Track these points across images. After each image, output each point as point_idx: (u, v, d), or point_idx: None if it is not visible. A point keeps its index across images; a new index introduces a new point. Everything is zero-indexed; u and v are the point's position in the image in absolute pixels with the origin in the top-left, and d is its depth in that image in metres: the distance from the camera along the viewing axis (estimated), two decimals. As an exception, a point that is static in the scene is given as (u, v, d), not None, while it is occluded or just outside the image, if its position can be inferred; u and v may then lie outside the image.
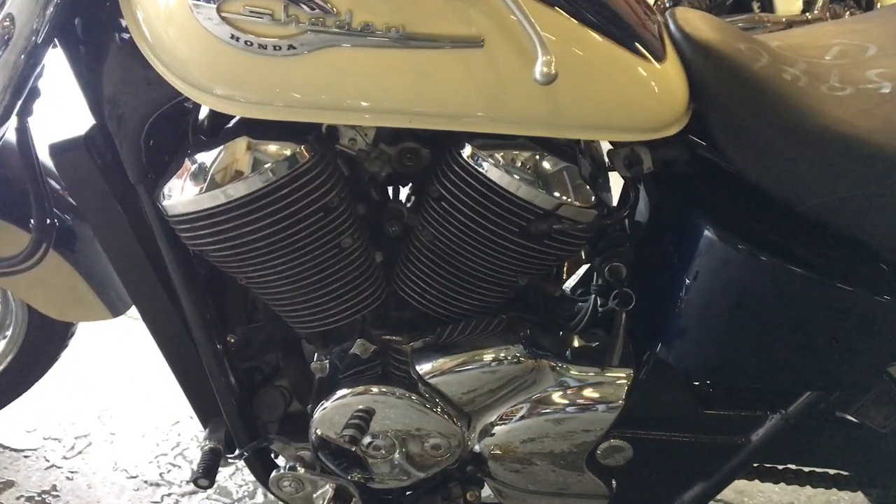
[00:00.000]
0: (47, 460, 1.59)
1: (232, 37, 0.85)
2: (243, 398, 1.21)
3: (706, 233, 1.02)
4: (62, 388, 1.76)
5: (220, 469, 1.50)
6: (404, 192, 1.15)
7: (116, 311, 1.44)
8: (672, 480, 1.22)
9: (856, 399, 1.10)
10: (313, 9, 0.83)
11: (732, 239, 1.00)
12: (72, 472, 1.57)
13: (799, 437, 1.16)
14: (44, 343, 1.51)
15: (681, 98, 0.97)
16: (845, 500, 1.56)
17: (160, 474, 1.57)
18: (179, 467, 1.59)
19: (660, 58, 0.96)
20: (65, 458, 1.60)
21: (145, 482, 1.55)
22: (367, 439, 1.13)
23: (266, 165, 0.96)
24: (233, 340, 1.19)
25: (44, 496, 1.51)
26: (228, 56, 0.88)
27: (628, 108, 0.96)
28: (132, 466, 1.59)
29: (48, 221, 1.11)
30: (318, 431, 1.14)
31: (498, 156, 0.98)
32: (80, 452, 1.61)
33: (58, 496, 1.51)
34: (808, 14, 4.08)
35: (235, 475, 1.57)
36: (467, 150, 0.98)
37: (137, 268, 1.14)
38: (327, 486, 1.17)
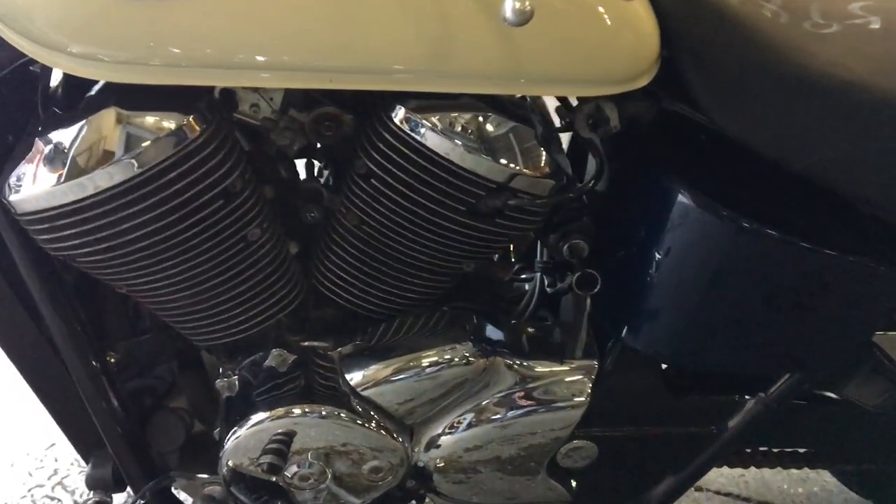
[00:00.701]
0: None
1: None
2: (132, 427, 1.00)
3: (681, 198, 0.87)
4: None
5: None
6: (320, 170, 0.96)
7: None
8: (639, 477, 1.08)
9: (843, 378, 0.99)
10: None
11: (712, 204, 0.86)
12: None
13: (777, 420, 1.05)
14: None
15: (652, 43, 0.81)
16: (793, 474, 1.48)
17: (38, 512, 1.34)
18: (59, 500, 1.35)
19: (627, -6, 0.79)
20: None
21: (19, 524, 1.31)
22: (292, 468, 0.94)
23: (145, 144, 0.75)
24: (113, 360, 0.98)
25: None
26: (87, 2, 0.66)
27: (594, 56, 0.79)
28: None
29: None
30: (231, 463, 0.94)
31: (438, 119, 0.80)
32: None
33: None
34: None
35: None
36: (400, 114, 0.80)
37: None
38: (248, 527, 0.98)
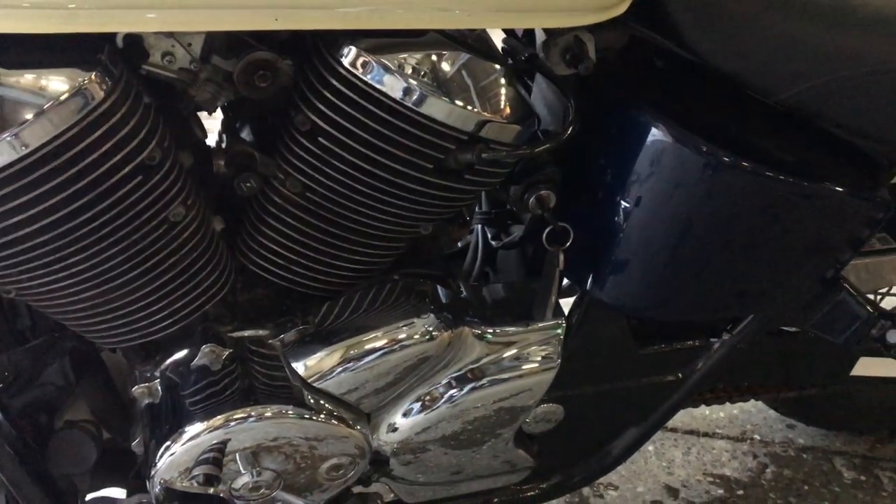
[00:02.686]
0: None
1: None
2: (29, 450, 0.83)
3: (654, 132, 0.79)
4: None
5: None
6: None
7: None
8: (602, 432, 1.03)
9: (808, 314, 0.96)
10: None
11: (689, 137, 0.78)
12: None
13: (736, 360, 1.01)
14: None
15: (631, -35, 0.71)
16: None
17: None
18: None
19: None
20: None
21: None
22: (241, 479, 0.81)
23: (37, 112, 0.57)
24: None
25: None
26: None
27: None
28: None
29: None
30: (165, 482, 0.80)
31: (397, 60, 0.67)
32: None
33: None
34: None
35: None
36: (350, 56, 0.66)
37: None
38: (190, 553, 0.84)
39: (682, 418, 1.44)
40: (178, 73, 0.66)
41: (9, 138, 0.58)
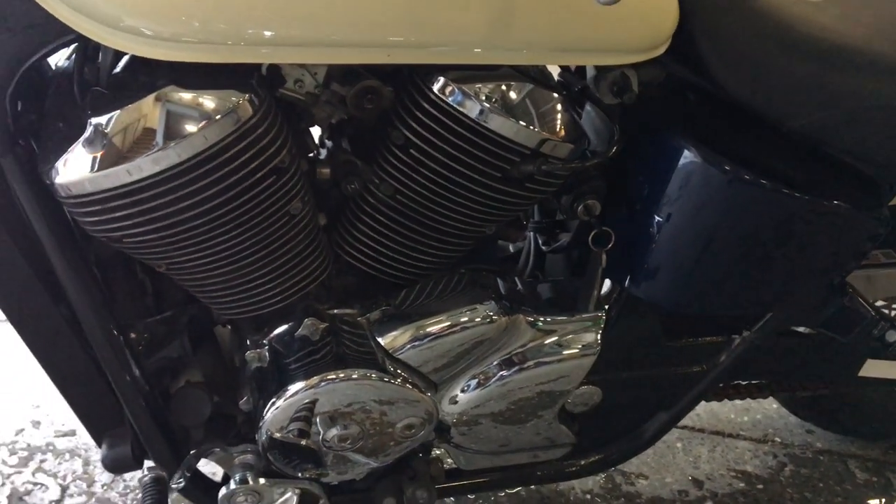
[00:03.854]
0: None
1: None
2: (156, 402, 1.00)
3: (687, 154, 0.94)
4: None
5: (95, 479, 1.29)
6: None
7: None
8: (635, 415, 1.17)
9: (818, 314, 1.10)
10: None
11: (717, 159, 0.93)
12: None
13: (755, 356, 1.15)
14: None
15: (671, 16, 0.87)
16: (738, 405, 1.63)
17: (21, 496, 1.29)
18: (43, 486, 1.32)
19: (651, -31, 0.85)
20: None
21: (4, 511, 1.27)
22: (331, 431, 0.97)
23: (202, 124, 0.75)
24: (134, 336, 0.97)
25: None
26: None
27: (620, 26, 0.84)
28: (-22, 495, 1.30)
29: None
30: (270, 433, 0.96)
31: (477, 89, 0.83)
32: None
33: None
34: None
35: (115, 483, 1.33)
36: (439, 84, 0.82)
37: (5, 260, 0.87)
38: (289, 493, 1.00)
39: (708, 420, 1.58)
40: (304, 96, 0.83)
41: (175, 145, 0.75)
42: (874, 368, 1.21)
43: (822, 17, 0.93)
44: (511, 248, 1.20)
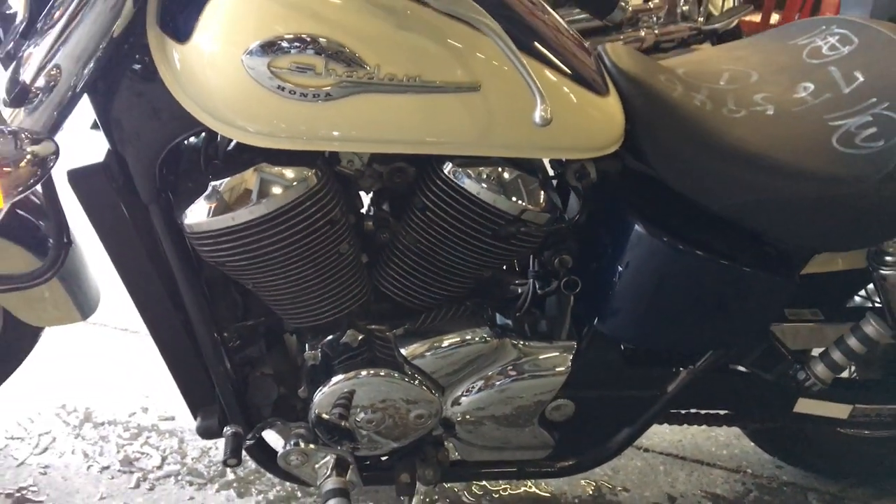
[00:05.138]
0: (16, 458, 1.66)
1: (279, 87, 1.00)
2: (239, 385, 1.36)
3: (636, 228, 1.26)
4: (14, 389, 1.80)
5: (187, 453, 1.65)
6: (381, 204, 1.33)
7: (85, 314, 1.53)
8: (604, 429, 1.48)
9: (747, 353, 1.40)
10: (349, 64, 1.00)
11: (658, 233, 1.25)
12: (44, 468, 1.65)
13: (702, 387, 1.44)
14: (14, 346, 1.57)
15: (620, 123, 1.20)
16: (722, 434, 1.90)
17: (130, 462, 1.68)
18: (148, 455, 1.71)
19: (604, 93, 1.19)
20: (33, 454, 1.67)
21: (119, 471, 1.65)
22: (361, 415, 1.32)
23: (284, 187, 1.12)
24: (227, 335, 1.34)
25: (23, 492, 1.59)
26: (270, 101, 1.02)
27: (583, 133, 1.18)
28: (100, 457, 1.69)
29: (64, 240, 1.21)
30: (317, 412, 1.31)
31: (475, 172, 1.17)
32: (46, 448, 1.69)
33: (36, 490, 1.59)
34: (650, 3, 4.49)
35: (203, 457, 1.71)
36: (448, 167, 1.17)
37: (144, 278, 1.26)
38: (328, 457, 1.35)
39: (691, 450, 1.85)
40: (354, 172, 1.20)
41: (270, 199, 1.12)
42: (805, 406, 1.48)
43: (738, 129, 1.25)
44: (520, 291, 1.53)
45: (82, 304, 1.52)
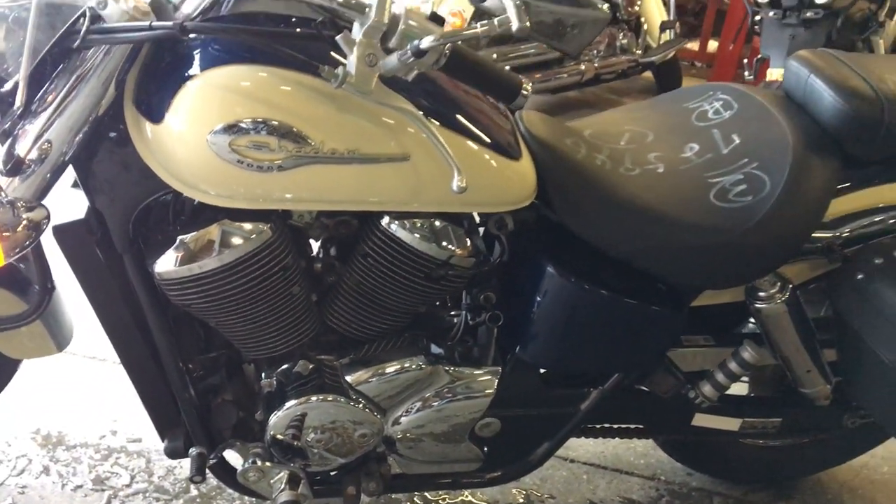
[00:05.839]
0: (-6, 480, 1.81)
1: (238, 161, 1.19)
2: (203, 411, 1.54)
3: (549, 270, 1.47)
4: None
5: (154, 472, 1.81)
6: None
7: (60, 347, 1.69)
8: (527, 443, 1.68)
9: (647, 376, 1.61)
10: (298, 142, 1.19)
11: (567, 274, 1.46)
12: (22, 488, 1.80)
13: (611, 404, 1.65)
14: (-6, 379, 1.72)
15: (531, 182, 1.41)
16: (640, 445, 2.11)
17: (101, 481, 1.84)
18: (118, 474, 1.86)
19: (518, 157, 1.39)
20: (11, 475, 1.82)
21: (91, 489, 1.81)
22: (311, 435, 1.50)
23: (243, 240, 1.30)
24: (192, 366, 1.52)
25: (2, 511, 1.74)
26: (230, 171, 1.21)
27: (499, 191, 1.38)
28: (73, 477, 1.84)
29: (48, 286, 1.38)
30: (272, 433, 1.49)
31: (409, 224, 1.37)
32: (23, 470, 1.85)
33: (15, 509, 1.75)
34: (588, 38, 4.74)
35: (168, 475, 1.87)
36: (386, 220, 1.36)
37: (118, 316, 1.43)
38: (282, 473, 1.52)
39: (612, 460, 2.07)
40: (304, 224, 1.38)
41: (226, 253, 1.30)
42: (701, 420, 1.70)
43: (632, 186, 1.46)
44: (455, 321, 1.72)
45: (58, 338, 1.67)
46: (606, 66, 4.91)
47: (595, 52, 4.82)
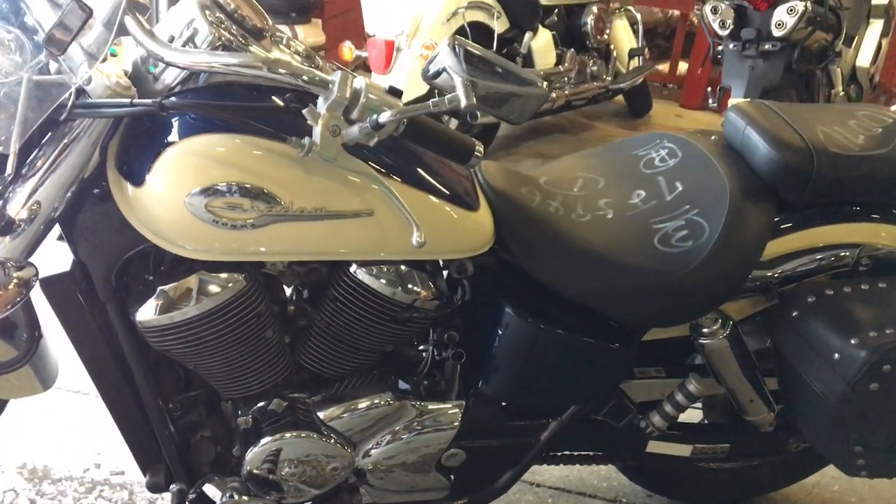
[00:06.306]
0: (-18, 515, 1.89)
1: (213, 220, 1.29)
2: (182, 447, 1.62)
3: (507, 310, 1.57)
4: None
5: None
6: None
7: (46, 386, 1.77)
8: (491, 471, 1.78)
9: (602, 407, 1.72)
10: (269, 202, 1.29)
11: (524, 314, 1.57)
12: (9, 522, 1.88)
13: (570, 434, 1.75)
14: (-18, 418, 1.80)
15: (489, 230, 1.52)
16: (603, 469, 2.21)
17: (86, 513, 1.92)
18: (102, 505, 1.95)
19: (476, 207, 1.50)
20: (-2, 511, 1.91)
21: (76, 522, 1.89)
22: (286, 469, 1.59)
23: (220, 289, 1.40)
24: (171, 405, 1.61)
25: (-10, 544, 1.81)
26: (207, 229, 1.31)
27: (459, 240, 1.49)
28: (59, 510, 1.93)
29: (36, 334, 1.47)
30: (249, 468, 1.58)
31: (375, 270, 1.47)
32: (10, 504, 1.93)
33: (3, 543, 1.82)
34: (560, 66, 4.89)
35: (150, 507, 1.96)
36: (353, 267, 1.47)
37: (101, 359, 1.52)
38: (259, 507, 1.62)
39: (576, 483, 2.17)
40: (277, 272, 1.48)
41: (204, 301, 1.39)
42: (655, 447, 1.81)
43: (583, 231, 1.57)
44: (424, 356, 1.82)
45: (44, 377, 1.75)
46: (577, 92, 5.06)
47: (566, 79, 4.96)
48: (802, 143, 1.59)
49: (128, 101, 1.22)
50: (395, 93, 1.24)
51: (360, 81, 1.21)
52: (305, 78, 1.19)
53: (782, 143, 1.59)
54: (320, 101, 1.21)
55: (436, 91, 1.25)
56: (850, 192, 1.62)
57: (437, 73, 1.23)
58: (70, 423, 2.21)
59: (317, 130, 1.20)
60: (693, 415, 1.91)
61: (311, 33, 4.69)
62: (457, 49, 1.18)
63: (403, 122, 1.23)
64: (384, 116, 1.18)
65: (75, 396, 2.30)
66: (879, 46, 4.72)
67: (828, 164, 1.57)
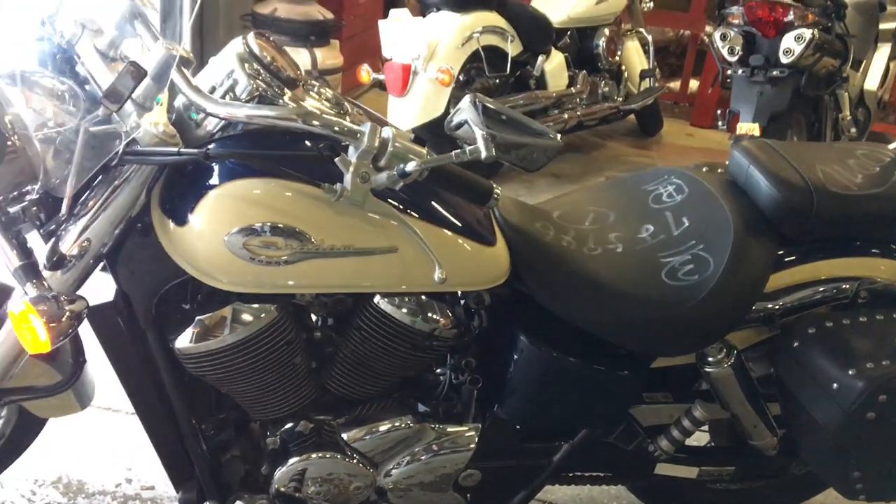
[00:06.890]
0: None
1: (250, 258, 1.39)
2: (214, 465, 1.72)
3: (522, 338, 1.66)
4: (17, 465, 2.10)
5: None
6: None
7: (84, 405, 1.87)
8: (505, 490, 1.86)
9: (612, 431, 1.80)
10: (301, 241, 1.39)
11: (537, 342, 1.66)
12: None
13: (582, 456, 1.84)
14: (24, 436, 1.90)
15: (505, 263, 1.61)
16: (613, 488, 2.29)
17: (114, 530, 2.02)
18: (133, 520, 2.04)
19: (492, 243, 1.59)
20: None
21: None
22: (312, 487, 1.68)
23: (253, 319, 1.49)
24: (204, 426, 1.70)
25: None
26: (243, 265, 1.41)
27: (476, 273, 1.58)
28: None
29: (80, 360, 1.57)
30: (277, 486, 1.68)
31: (397, 300, 1.56)
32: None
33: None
34: (573, 88, 4.98)
35: (179, 523, 2.05)
36: (377, 299, 1.56)
37: (139, 382, 1.62)
38: (286, 523, 1.71)
39: (586, 502, 2.25)
40: (306, 303, 1.58)
41: (238, 331, 1.49)
42: (663, 469, 1.89)
43: (594, 264, 1.66)
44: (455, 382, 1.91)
45: (82, 397, 1.86)
46: (589, 113, 5.15)
47: (578, 100, 5.05)
48: (803, 182, 1.67)
49: (175, 150, 1.32)
50: (420, 142, 1.34)
51: (387, 131, 1.31)
52: (336, 129, 1.29)
53: (784, 182, 1.68)
54: (351, 149, 1.30)
55: (457, 141, 1.35)
56: (849, 228, 1.71)
57: (459, 125, 1.32)
58: (102, 439, 2.31)
59: (347, 177, 1.30)
60: (701, 437, 2.00)
61: (329, 55, 4.79)
62: (477, 104, 1.28)
63: (427, 169, 1.32)
64: (410, 166, 1.27)
65: (106, 413, 2.40)
66: (887, 69, 4.81)
67: (827, 203, 1.66)
